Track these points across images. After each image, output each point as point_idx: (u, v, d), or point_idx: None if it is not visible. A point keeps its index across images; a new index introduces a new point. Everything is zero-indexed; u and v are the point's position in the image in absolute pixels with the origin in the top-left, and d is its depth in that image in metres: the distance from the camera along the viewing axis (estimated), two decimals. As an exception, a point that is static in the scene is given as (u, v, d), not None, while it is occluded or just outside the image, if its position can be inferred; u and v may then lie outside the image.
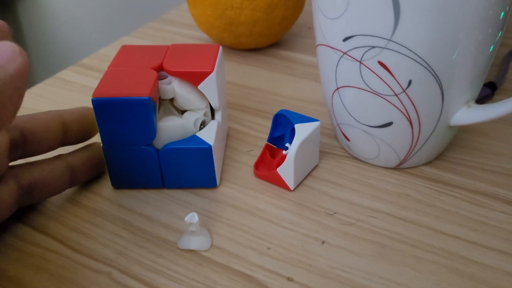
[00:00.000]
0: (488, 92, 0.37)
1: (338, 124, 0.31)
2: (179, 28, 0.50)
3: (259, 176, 0.30)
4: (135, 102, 0.26)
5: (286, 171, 0.28)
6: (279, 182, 0.29)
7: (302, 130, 0.28)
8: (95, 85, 0.40)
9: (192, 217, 0.25)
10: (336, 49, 0.27)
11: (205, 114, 0.29)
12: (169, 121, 0.28)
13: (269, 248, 0.26)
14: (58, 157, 0.28)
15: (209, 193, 0.29)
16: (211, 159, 0.28)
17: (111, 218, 0.28)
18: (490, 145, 0.32)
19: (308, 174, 0.30)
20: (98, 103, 0.26)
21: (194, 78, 0.28)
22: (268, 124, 0.35)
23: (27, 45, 1.18)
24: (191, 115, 0.29)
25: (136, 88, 0.26)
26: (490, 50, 0.26)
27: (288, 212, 0.28)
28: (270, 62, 0.43)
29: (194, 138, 0.28)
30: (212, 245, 0.26)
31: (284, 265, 0.25)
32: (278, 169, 0.29)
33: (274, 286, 0.24)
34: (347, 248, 0.26)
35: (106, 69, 0.43)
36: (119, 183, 0.29)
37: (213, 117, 0.30)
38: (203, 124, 0.29)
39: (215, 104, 0.29)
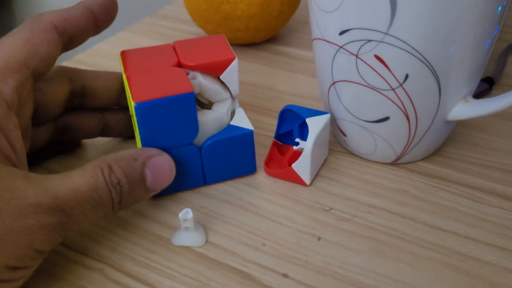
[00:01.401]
0: (485, 87, 0.36)
1: (334, 119, 0.30)
2: (174, 23, 0.50)
3: (271, 174, 0.30)
4: (181, 99, 0.25)
5: (302, 166, 0.28)
6: (294, 178, 0.29)
7: (315, 124, 0.28)
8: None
9: (186, 213, 0.25)
10: (332, 43, 0.26)
11: (231, 103, 0.29)
12: (204, 115, 0.28)
13: (264, 244, 0.25)
14: (97, 110, 0.30)
15: (204, 189, 0.29)
16: (252, 143, 0.28)
17: (105, 215, 0.27)
18: (488, 140, 0.32)
19: (304, 170, 0.30)
20: (142, 108, 0.25)
21: (217, 68, 0.28)
22: (264, 119, 0.35)
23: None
24: (221, 106, 0.29)
25: (175, 86, 0.26)
26: (488, 44, 0.26)
27: (284, 208, 0.27)
28: (267, 57, 0.43)
29: (231, 127, 0.28)
30: (206, 241, 0.26)
31: (279, 261, 0.24)
32: (293, 165, 0.28)
33: (269, 283, 0.23)
34: (344, 245, 0.25)
35: (101, 64, 0.42)
36: (160, 192, 0.27)
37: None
38: (232, 113, 0.29)
39: (235, 91, 0.29)
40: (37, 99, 0.26)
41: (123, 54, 0.29)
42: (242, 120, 0.29)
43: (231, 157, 0.28)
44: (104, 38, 0.47)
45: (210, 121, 0.28)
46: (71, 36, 0.25)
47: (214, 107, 0.29)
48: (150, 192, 0.25)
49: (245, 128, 0.28)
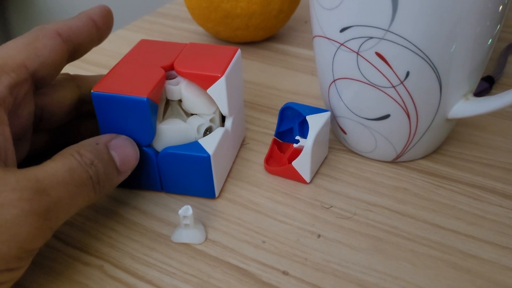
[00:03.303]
0: (486, 86, 0.36)
1: (334, 117, 0.30)
2: (174, 21, 0.49)
3: (271, 171, 0.29)
4: (132, 102, 0.25)
5: (302, 164, 0.28)
6: (294, 176, 0.29)
7: (315, 122, 0.28)
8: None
9: (186, 210, 0.25)
10: (333, 40, 0.26)
11: (212, 120, 0.28)
12: (171, 123, 0.27)
13: (264, 242, 0.25)
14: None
15: (204, 186, 0.29)
16: (209, 168, 0.26)
17: (105, 212, 0.27)
18: (488, 139, 0.32)
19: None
20: (97, 97, 0.25)
21: (203, 81, 0.27)
22: (264, 117, 0.35)
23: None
24: (196, 119, 0.27)
25: (137, 87, 0.25)
26: (489, 43, 0.26)
27: (284, 205, 0.27)
28: (267, 56, 0.43)
29: (194, 144, 0.26)
30: (206, 238, 0.26)
31: (279, 258, 0.24)
32: (293, 163, 0.28)
33: (269, 280, 0.23)
34: (343, 242, 0.25)
35: (100, 62, 0.42)
36: (126, 185, 0.28)
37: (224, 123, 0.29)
38: (209, 130, 0.28)
39: (224, 111, 0.28)
40: (42, 103, 0.26)
41: (140, 43, 0.29)
42: (210, 142, 0.26)
43: (187, 174, 0.27)
44: (103, 36, 0.47)
45: (174, 131, 0.27)
46: (76, 45, 0.25)
47: (189, 119, 0.28)
48: (122, 174, 0.25)
49: (204, 150, 0.26)
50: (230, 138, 0.29)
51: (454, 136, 0.32)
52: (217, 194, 0.28)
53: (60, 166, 0.22)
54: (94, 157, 0.23)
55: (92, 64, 0.42)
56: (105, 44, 0.45)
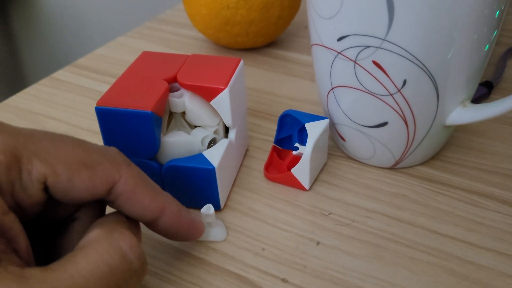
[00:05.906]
0: (484, 91, 0.37)
1: (333, 124, 0.30)
2: (175, 27, 0.50)
3: (271, 178, 0.30)
4: (137, 115, 0.25)
5: (301, 171, 0.28)
6: (293, 183, 0.29)
7: (314, 129, 0.28)
8: (91, 86, 0.40)
9: (208, 208, 0.25)
10: (330, 48, 0.27)
11: (216, 132, 0.28)
12: (175, 136, 0.27)
13: (263, 249, 0.26)
14: None
15: (204, 193, 0.29)
16: (214, 181, 0.26)
17: (105, 219, 0.28)
18: (486, 144, 0.32)
19: (304, 175, 0.30)
20: (101, 112, 0.25)
21: (207, 94, 0.27)
22: (264, 124, 0.35)
23: (20, 44, 1.17)
24: (200, 132, 0.28)
25: (141, 100, 0.25)
26: (486, 49, 0.26)
27: (283, 212, 0.28)
28: (266, 62, 0.43)
29: (199, 156, 0.26)
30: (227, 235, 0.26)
31: (278, 266, 0.25)
32: (292, 170, 0.28)
33: (268, 288, 0.24)
34: (342, 249, 0.25)
35: (101, 69, 0.43)
36: None
37: (228, 134, 0.29)
38: (213, 142, 0.28)
39: (228, 122, 0.28)
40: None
41: (142, 55, 0.30)
42: (215, 154, 0.26)
43: (192, 187, 0.27)
44: (104, 42, 0.47)
45: (178, 143, 0.27)
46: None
47: (193, 131, 0.28)
48: None
49: (208, 163, 0.26)
50: (234, 149, 0.29)
51: (453, 142, 0.32)
52: (222, 206, 0.28)
53: (93, 263, 0.17)
54: (139, 245, 0.19)
55: (93, 71, 0.42)
56: (105, 51, 0.45)
